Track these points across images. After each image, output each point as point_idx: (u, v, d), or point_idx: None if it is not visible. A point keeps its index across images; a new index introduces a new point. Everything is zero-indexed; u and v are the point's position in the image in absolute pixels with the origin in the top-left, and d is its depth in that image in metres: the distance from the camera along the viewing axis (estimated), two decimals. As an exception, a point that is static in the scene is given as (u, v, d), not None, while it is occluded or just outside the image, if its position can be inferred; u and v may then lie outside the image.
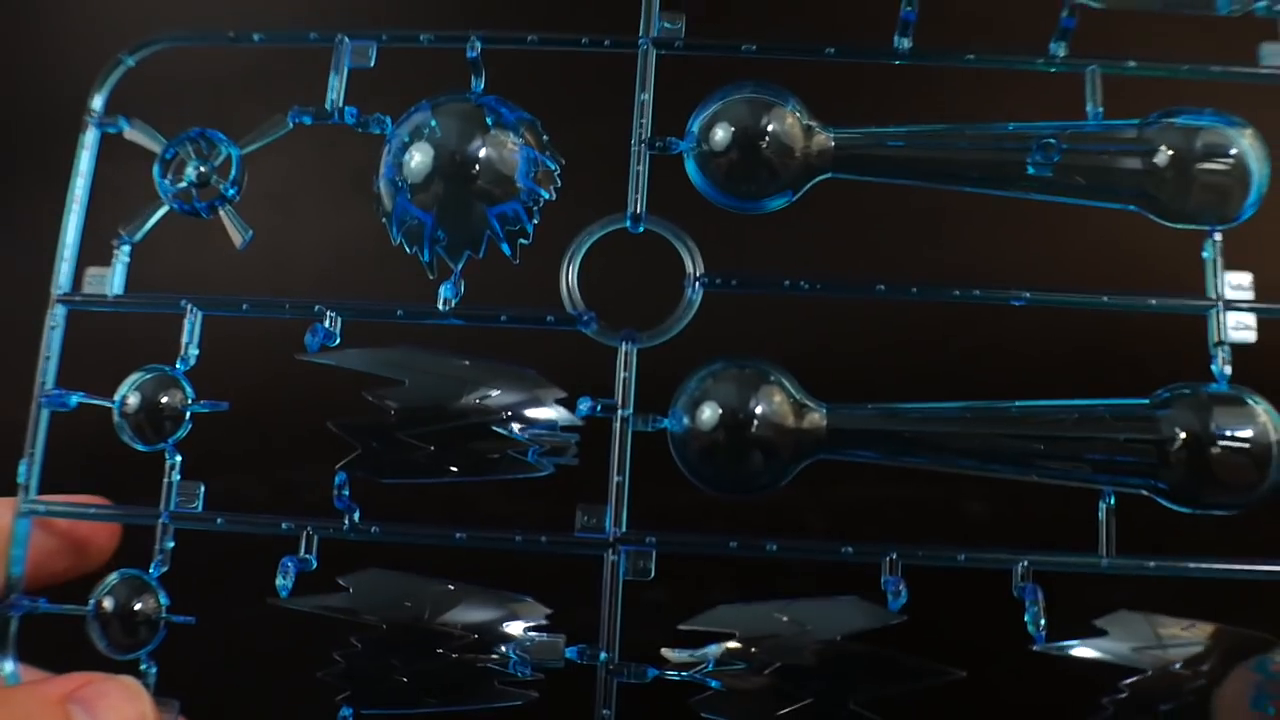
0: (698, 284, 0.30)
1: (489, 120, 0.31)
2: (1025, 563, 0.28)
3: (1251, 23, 0.32)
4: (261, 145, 0.32)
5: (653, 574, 0.29)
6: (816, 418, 0.29)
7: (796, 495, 0.30)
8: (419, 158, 0.30)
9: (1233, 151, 0.30)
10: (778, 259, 0.31)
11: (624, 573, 0.29)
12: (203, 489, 0.30)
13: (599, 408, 0.29)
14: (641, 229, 0.31)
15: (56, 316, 0.31)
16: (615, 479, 0.29)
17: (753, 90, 0.31)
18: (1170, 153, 0.30)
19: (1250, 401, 0.29)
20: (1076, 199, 0.31)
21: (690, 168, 0.31)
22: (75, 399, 0.30)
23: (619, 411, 0.29)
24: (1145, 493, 0.29)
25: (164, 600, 0.29)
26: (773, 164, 0.31)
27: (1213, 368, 0.29)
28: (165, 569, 0.30)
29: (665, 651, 0.28)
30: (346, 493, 0.29)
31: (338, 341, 0.30)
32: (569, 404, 0.30)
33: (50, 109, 0.37)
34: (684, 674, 0.28)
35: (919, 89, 0.32)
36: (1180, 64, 0.31)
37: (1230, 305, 0.30)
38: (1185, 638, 0.27)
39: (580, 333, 0.30)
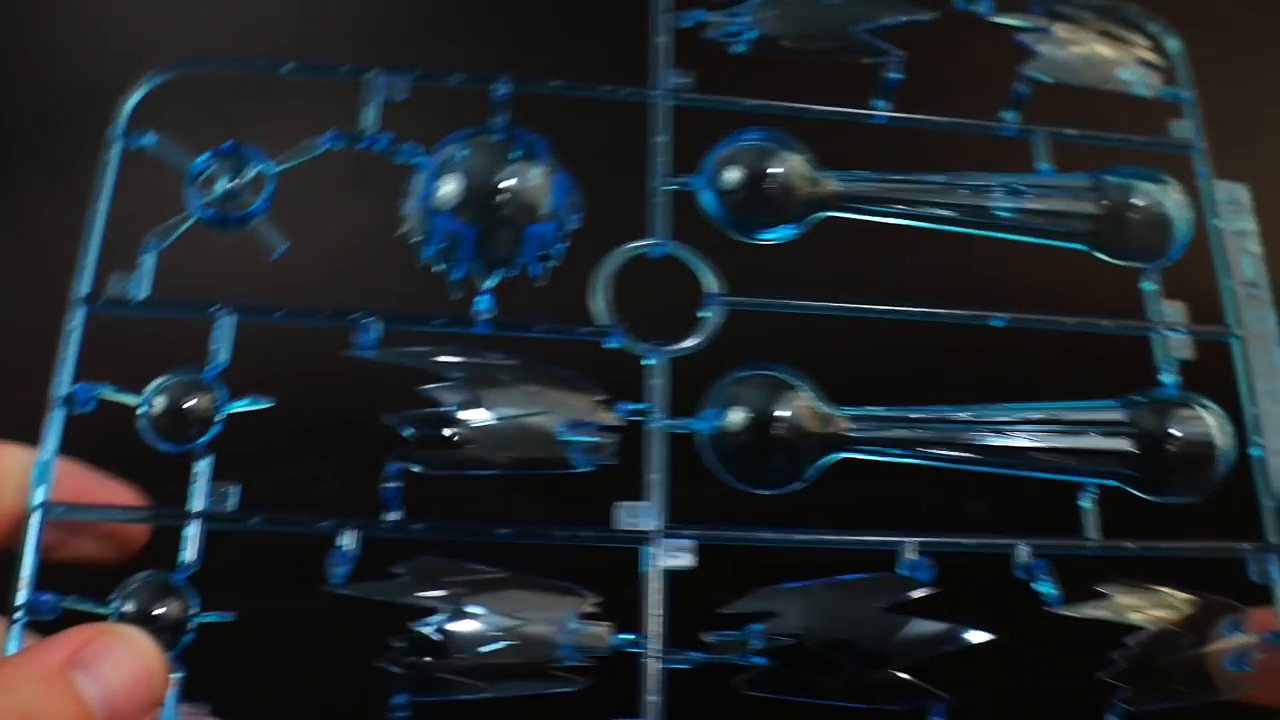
0: (718, 302, 0.33)
1: (523, 150, 0.33)
2: (1026, 547, 0.31)
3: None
4: (293, 165, 0.33)
5: (688, 565, 0.30)
6: (833, 419, 0.32)
7: (803, 495, 0.32)
8: (462, 180, 0.32)
9: (1161, 205, 0.35)
10: (776, 283, 0.34)
11: (664, 564, 0.30)
12: (237, 490, 0.29)
13: (633, 411, 0.31)
14: (665, 251, 0.33)
15: (76, 319, 0.31)
16: (653, 476, 0.31)
17: (766, 137, 0.34)
18: (1110, 204, 0.35)
19: (1198, 406, 0.33)
20: (1035, 239, 0.36)
21: (705, 201, 0.34)
22: (101, 390, 0.29)
23: (653, 413, 0.31)
24: (1118, 484, 0.33)
25: (194, 602, 0.28)
26: (776, 202, 0.34)
27: (1163, 379, 0.34)
28: (193, 571, 0.29)
29: (706, 635, 0.29)
30: (397, 485, 0.29)
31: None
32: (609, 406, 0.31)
33: (65, 122, 0.37)
34: (729, 655, 0.29)
35: (894, 139, 0.36)
36: (1111, 133, 0.37)
37: (1169, 327, 0.34)
38: (1172, 601, 0.31)
39: (595, 349, 0.32)
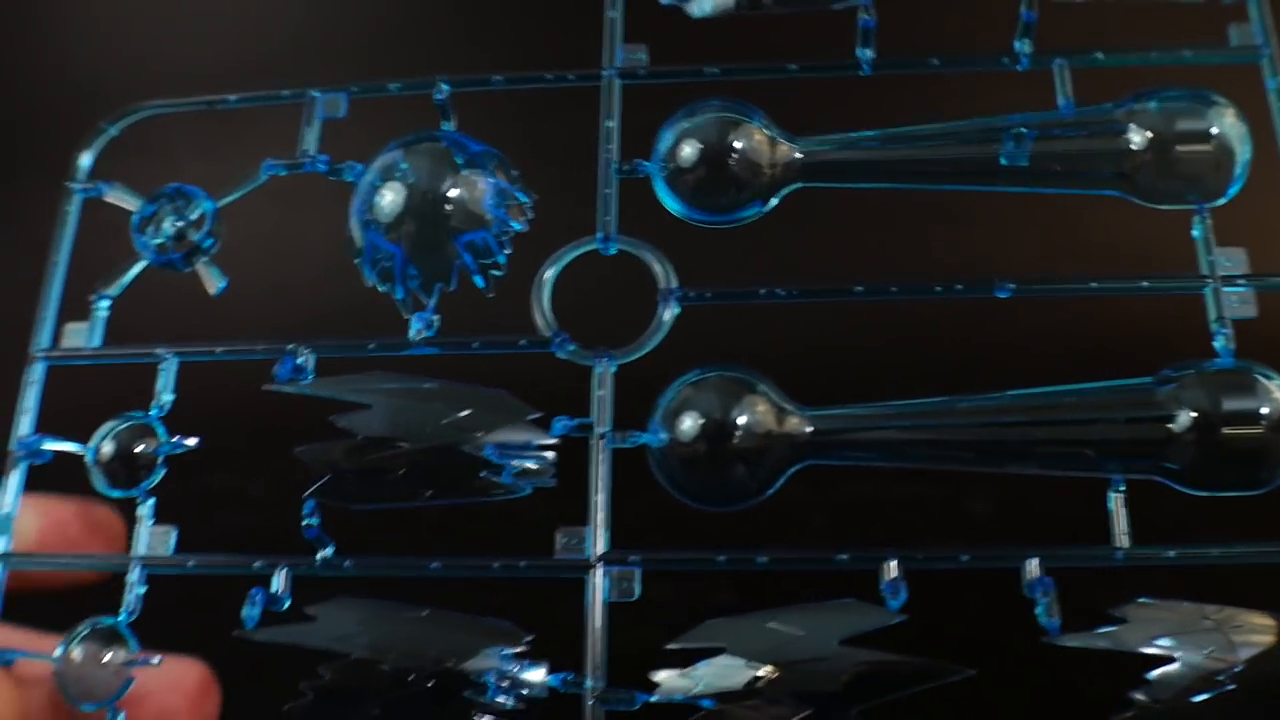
0: (672, 299, 0.30)
1: (456, 156, 0.31)
2: (1035, 560, 0.26)
3: (1217, 9, 0.31)
4: (237, 198, 0.32)
5: (637, 594, 0.27)
6: (799, 423, 0.28)
7: (796, 497, 0.28)
8: (388, 195, 0.30)
9: (1212, 129, 0.29)
10: (758, 270, 0.30)
11: (607, 594, 0.27)
12: (175, 533, 0.29)
13: (574, 426, 0.29)
14: (614, 249, 0.30)
15: (35, 372, 0.31)
16: (595, 497, 0.28)
17: (718, 107, 0.31)
18: (1148, 134, 0.29)
19: (1260, 376, 0.27)
20: (1055, 188, 0.30)
21: (659, 187, 0.31)
22: (48, 445, 0.30)
23: (596, 429, 0.28)
24: (1157, 478, 0.27)
25: (134, 647, 0.28)
26: (741, 178, 0.30)
27: (1215, 345, 0.28)
28: (136, 615, 0.29)
29: (654, 675, 0.27)
30: (316, 521, 0.28)
31: (310, 377, 0.30)
32: (544, 425, 0.29)
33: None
34: (675, 697, 0.26)
35: (890, 104, 0.32)
36: (1149, 51, 0.31)
37: (1226, 280, 0.28)
38: (1214, 624, 0.25)
39: (556, 358, 0.30)
